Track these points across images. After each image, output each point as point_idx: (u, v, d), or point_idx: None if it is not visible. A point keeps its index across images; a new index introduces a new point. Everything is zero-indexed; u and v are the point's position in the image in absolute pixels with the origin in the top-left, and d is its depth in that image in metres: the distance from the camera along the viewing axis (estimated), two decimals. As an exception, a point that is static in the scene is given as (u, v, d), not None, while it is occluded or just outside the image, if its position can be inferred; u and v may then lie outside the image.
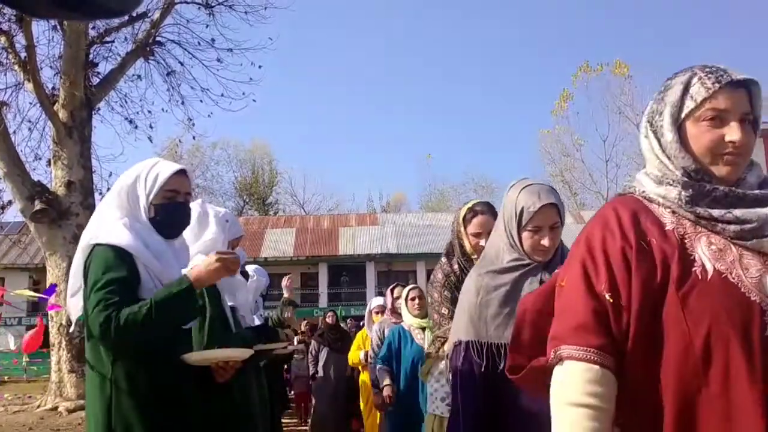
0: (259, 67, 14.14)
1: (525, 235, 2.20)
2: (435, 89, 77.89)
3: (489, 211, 2.95)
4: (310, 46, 78.71)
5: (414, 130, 76.78)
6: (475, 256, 2.85)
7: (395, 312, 5.43)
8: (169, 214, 2.33)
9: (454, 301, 2.74)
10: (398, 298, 5.25)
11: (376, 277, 33.77)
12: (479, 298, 2.18)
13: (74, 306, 2.32)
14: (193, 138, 14.33)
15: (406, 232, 35.18)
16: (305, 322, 11.04)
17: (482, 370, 2.11)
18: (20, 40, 11.09)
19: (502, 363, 2.02)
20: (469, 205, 3.01)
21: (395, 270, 33.87)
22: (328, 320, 8.59)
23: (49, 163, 11.69)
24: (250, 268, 4.14)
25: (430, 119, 77.31)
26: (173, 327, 2.18)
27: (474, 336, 2.15)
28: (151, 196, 2.29)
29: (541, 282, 2.11)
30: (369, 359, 5.78)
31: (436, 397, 3.40)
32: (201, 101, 13.40)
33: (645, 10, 68.69)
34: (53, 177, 11.22)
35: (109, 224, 2.21)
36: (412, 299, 4.78)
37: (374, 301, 6.95)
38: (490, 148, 74.94)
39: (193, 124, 13.63)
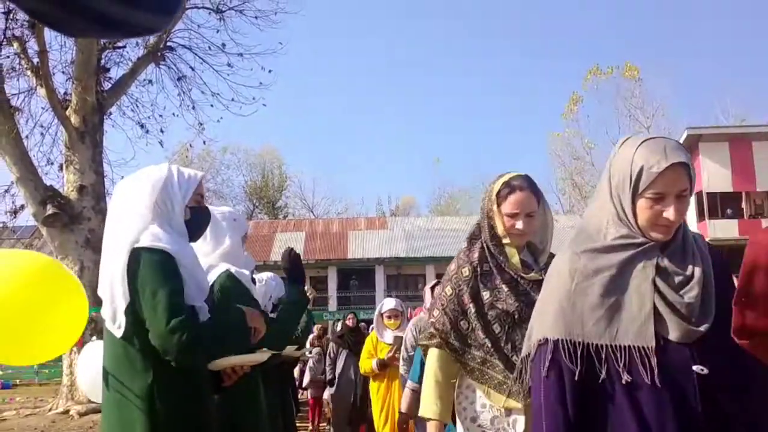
0: (270, 71, 14.24)
1: (641, 203, 1.69)
2: (444, 92, 77.95)
3: (529, 186, 2.50)
4: (321, 50, 78.95)
5: (423, 134, 76.89)
6: (508, 241, 2.49)
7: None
8: (201, 217, 2.39)
9: (458, 300, 2.48)
10: None
11: (386, 281, 33.78)
12: (573, 283, 1.70)
13: (109, 313, 2.21)
14: (204, 143, 14.38)
15: (416, 235, 35.18)
16: (318, 327, 10.96)
17: (576, 378, 1.62)
18: (33, 45, 11.20)
19: (604, 370, 1.61)
20: (505, 178, 2.53)
21: (404, 274, 33.89)
22: (349, 323, 8.31)
23: (61, 167, 11.77)
24: (264, 275, 4.13)
25: (439, 123, 77.37)
26: (233, 351, 2.27)
27: (565, 333, 1.66)
28: (187, 200, 2.31)
29: (658, 268, 1.67)
30: (401, 369, 5.31)
31: (466, 416, 2.56)
32: (212, 106, 13.44)
33: (655, 11, 68.48)
34: (65, 181, 11.30)
35: (146, 228, 2.17)
36: None
37: (386, 304, 6.29)
38: (500, 151, 74.85)
39: (204, 129, 13.70)
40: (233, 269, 2.82)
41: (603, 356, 1.62)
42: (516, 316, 2.39)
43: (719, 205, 29.96)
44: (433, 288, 5.12)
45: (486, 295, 2.46)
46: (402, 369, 5.28)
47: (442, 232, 35.39)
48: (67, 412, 10.39)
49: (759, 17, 62.46)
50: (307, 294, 4.12)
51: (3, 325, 2.25)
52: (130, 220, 2.20)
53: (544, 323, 1.73)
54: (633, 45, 64.96)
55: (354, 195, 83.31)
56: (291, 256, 3.11)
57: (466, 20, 77.02)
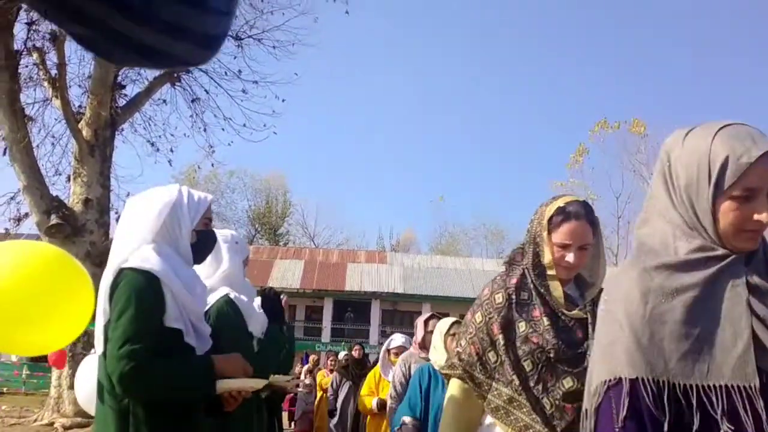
0: (283, 100, 14.38)
1: (726, 205, 1.33)
2: (453, 132, 78.47)
3: (586, 216, 2.21)
4: (334, 81, 79.72)
5: (429, 172, 77.17)
6: (553, 273, 2.21)
7: (424, 347, 4.74)
8: (207, 241, 2.41)
9: (488, 329, 2.22)
10: (432, 332, 4.56)
11: (381, 316, 33.64)
12: (649, 307, 1.32)
13: (96, 330, 2.22)
14: (212, 165, 14.49)
15: (414, 272, 35.13)
16: (313, 358, 10.92)
17: (664, 429, 1.26)
18: (52, 57, 11.37)
19: (697, 418, 1.26)
20: (560, 203, 2.24)
21: (400, 310, 33.76)
22: (355, 353, 8.12)
23: (68, 179, 11.86)
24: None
25: (445, 162, 77.74)
26: (185, 395, 2.16)
27: (645, 371, 1.27)
28: (195, 223, 2.33)
29: (750, 287, 1.32)
30: (388, 403, 4.95)
31: None
32: (223, 129, 13.61)
33: (665, 71, 69.24)
34: (71, 193, 11.38)
35: (138, 249, 2.17)
36: (453, 335, 3.89)
37: (394, 340, 5.92)
38: (503, 196, 75.10)
39: (214, 151, 13.82)
40: (233, 294, 2.83)
41: (694, 400, 1.27)
42: (551, 354, 2.11)
43: None
44: (426, 321, 4.94)
45: (522, 326, 2.18)
46: (389, 410, 4.93)
47: (442, 271, 35.34)
48: (51, 424, 10.32)
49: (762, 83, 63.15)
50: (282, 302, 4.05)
51: (10, 313, 2.27)
52: (126, 240, 2.21)
53: (614, 359, 1.32)
54: (642, 101, 65.50)
55: (355, 227, 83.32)
56: (270, 294, 3.14)
57: (477, 64, 77.95)
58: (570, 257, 2.16)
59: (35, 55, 11.50)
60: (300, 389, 9.36)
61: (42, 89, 11.88)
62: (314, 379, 9.63)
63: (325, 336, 32.85)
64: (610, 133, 42.25)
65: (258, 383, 2.29)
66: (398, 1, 77.59)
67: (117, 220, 12.04)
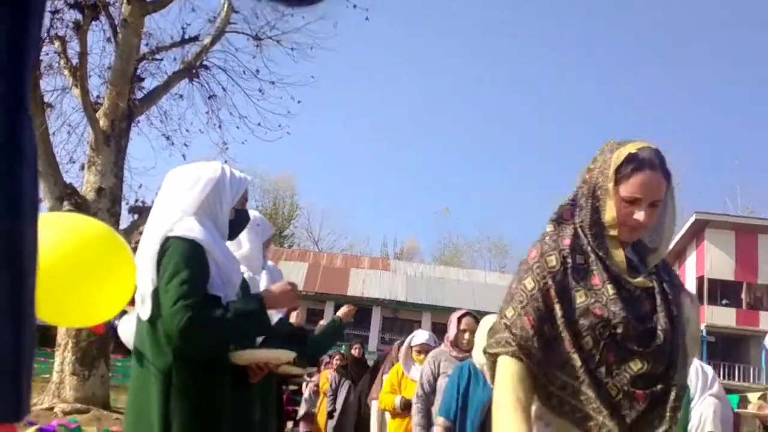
0: (298, 102, 14.47)
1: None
2: (463, 145, 78.54)
3: (661, 166, 1.85)
4: (346, 88, 79.95)
5: (435, 183, 77.25)
6: (614, 233, 1.84)
7: (456, 345, 4.53)
8: (242, 219, 2.54)
9: (544, 297, 1.79)
10: (465, 330, 4.49)
11: (381, 323, 33.66)
12: None
13: (138, 297, 2.28)
14: (225, 162, 14.57)
15: (417, 281, 35.16)
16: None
17: None
18: (74, 46, 11.50)
19: None
20: (631, 148, 1.84)
21: (401, 318, 33.76)
22: (354, 352, 7.93)
23: (82, 167, 11.96)
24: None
25: (452, 174, 77.83)
26: (243, 339, 2.27)
27: None
28: (235, 201, 2.44)
29: None
30: (414, 402, 4.57)
31: None
32: (237, 128, 13.69)
33: (675, 94, 69.24)
34: (84, 181, 11.47)
35: (181, 220, 2.23)
36: None
37: (417, 336, 5.54)
38: (509, 211, 75.08)
39: (227, 149, 13.91)
40: (247, 275, 2.90)
41: None
42: (619, 330, 1.74)
43: (719, 292, 29.92)
44: (460, 318, 4.64)
45: (580, 296, 1.79)
46: (415, 408, 4.56)
47: (444, 281, 35.37)
48: (51, 409, 10.36)
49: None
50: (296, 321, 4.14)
51: (55, 286, 2.34)
52: (169, 211, 2.28)
53: None
54: (651, 123, 65.54)
55: (359, 233, 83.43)
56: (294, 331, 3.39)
57: (491, 78, 78.05)
58: (640, 215, 1.79)
59: (57, 44, 11.63)
60: (310, 379, 9.16)
61: (62, 77, 12.02)
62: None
63: (325, 340, 32.86)
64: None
65: (287, 355, 2.35)
66: (417, 10, 77.89)
67: (128, 211, 12.27)
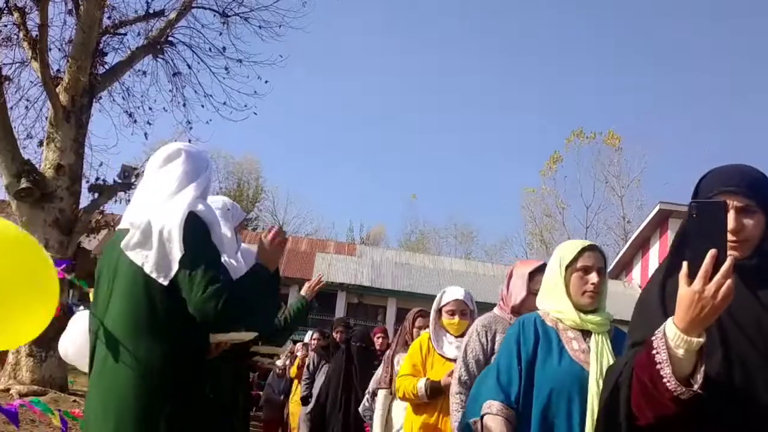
0: (266, 82, 14.26)
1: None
2: (430, 131, 78.64)
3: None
4: (315, 71, 79.38)
5: (403, 168, 77.30)
6: None
7: (520, 313, 3.05)
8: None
9: None
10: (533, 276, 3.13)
11: (346, 308, 33.63)
12: None
13: (153, 260, 2.26)
14: (189, 141, 14.31)
15: (382, 267, 35.17)
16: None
17: None
18: (34, 18, 11.12)
19: None
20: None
21: (366, 303, 33.77)
22: (336, 336, 7.34)
23: (40, 143, 11.62)
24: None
25: (420, 159, 77.93)
26: (270, 303, 2.45)
27: None
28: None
29: None
30: (454, 390, 3.19)
31: None
32: (202, 106, 13.42)
33: (645, 86, 70.21)
34: (43, 158, 11.15)
35: (201, 199, 2.36)
36: (586, 270, 2.52)
37: (449, 292, 4.02)
38: (475, 197, 75.55)
39: (191, 128, 13.66)
40: (224, 259, 2.85)
41: None
42: None
43: (681, 280, 30.60)
44: (532, 274, 3.21)
45: None
46: (455, 399, 3.15)
47: (410, 267, 35.42)
48: (7, 390, 10.11)
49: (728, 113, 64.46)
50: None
51: None
52: (190, 185, 2.37)
53: None
54: (620, 113, 66.42)
55: (325, 219, 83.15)
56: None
57: (460, 65, 78.18)
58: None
59: (16, 15, 11.24)
60: (277, 366, 8.75)
61: (21, 50, 11.62)
62: (291, 362, 8.83)
63: (288, 324, 32.75)
64: (586, 143, 42.83)
65: (247, 335, 2.37)
66: (387, 3, 77.55)
67: (89, 189, 11.96)
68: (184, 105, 13.33)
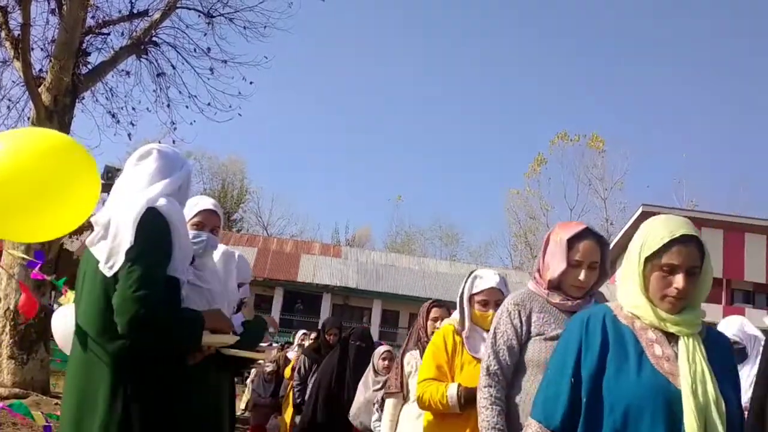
0: (251, 83, 14.19)
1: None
2: (415, 132, 78.71)
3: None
4: (297, 70, 79.18)
5: (389, 170, 77.31)
6: None
7: (560, 288, 2.62)
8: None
9: None
10: (581, 265, 2.56)
11: (331, 310, 33.55)
12: None
13: (105, 251, 2.24)
14: (173, 142, 14.23)
15: (368, 268, 35.13)
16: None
17: None
18: (16, 17, 11.00)
19: None
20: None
21: (351, 305, 33.73)
22: (330, 339, 6.79)
23: (23, 144, 11.50)
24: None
25: (406, 161, 77.99)
26: (182, 344, 2.26)
27: None
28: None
29: None
30: (485, 386, 2.56)
31: None
32: (187, 107, 13.39)
33: (628, 90, 70.68)
34: (25, 158, 11.04)
35: (165, 197, 2.30)
36: (671, 270, 1.96)
37: (483, 278, 3.27)
38: (460, 199, 75.70)
39: (176, 129, 13.57)
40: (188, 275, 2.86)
41: None
42: None
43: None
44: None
45: None
46: (484, 393, 2.54)
47: (395, 269, 35.42)
48: (-13, 393, 10.00)
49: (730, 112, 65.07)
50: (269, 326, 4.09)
51: (17, 198, 2.17)
52: (158, 183, 2.33)
53: None
54: (603, 115, 66.83)
55: (310, 220, 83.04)
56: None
57: (444, 69, 78.33)
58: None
59: (-3, 14, 11.13)
60: (267, 367, 8.45)
61: (2, 50, 11.51)
62: (280, 365, 8.57)
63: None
64: (569, 146, 43.04)
65: (230, 338, 2.33)
66: (371, -3, 77.51)
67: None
68: (168, 106, 13.26)
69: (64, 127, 11.18)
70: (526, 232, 44.07)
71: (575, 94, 73.28)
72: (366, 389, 5.12)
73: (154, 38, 12.70)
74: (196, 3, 12.94)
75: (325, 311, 33.31)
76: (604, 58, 72.20)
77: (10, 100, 12.18)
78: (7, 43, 11.14)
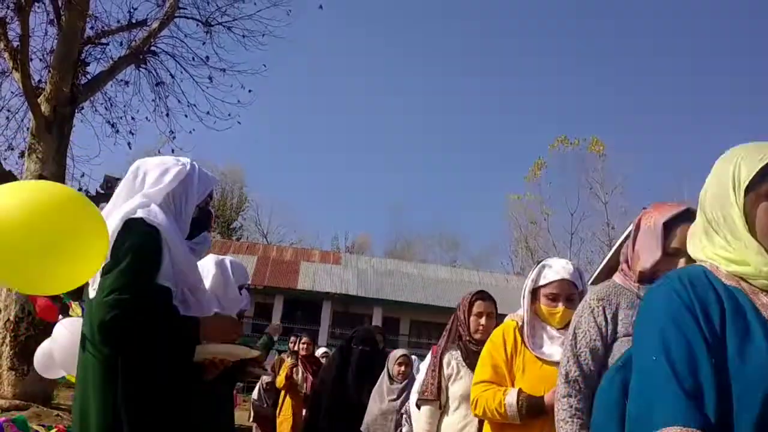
0: (249, 91, 14.21)
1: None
2: (414, 139, 78.80)
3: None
4: (300, 80, 79.34)
5: (388, 177, 77.36)
6: None
7: (647, 279, 2.21)
8: (205, 218, 2.49)
9: None
10: (678, 253, 2.12)
11: (331, 317, 33.51)
12: None
13: (91, 282, 2.22)
14: (173, 151, 14.23)
15: (369, 275, 35.11)
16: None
17: None
18: (15, 28, 11.03)
19: None
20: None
21: (352, 312, 33.68)
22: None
23: (22, 154, 11.52)
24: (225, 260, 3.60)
25: (405, 167, 78.08)
26: (159, 358, 2.13)
27: None
28: (201, 199, 2.43)
29: None
30: (564, 396, 2.22)
31: None
32: (186, 116, 13.37)
33: (628, 94, 70.82)
34: (24, 169, 11.04)
35: (147, 207, 2.22)
36: None
37: (552, 270, 2.87)
38: (460, 204, 75.74)
39: (175, 137, 13.59)
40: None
41: None
42: None
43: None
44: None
45: None
46: (563, 405, 2.21)
47: (396, 275, 35.39)
48: (-12, 405, 9.97)
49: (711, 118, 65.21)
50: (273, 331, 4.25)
51: (26, 253, 2.16)
52: (136, 198, 2.26)
53: None
54: (603, 119, 66.91)
55: (310, 228, 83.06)
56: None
57: (444, 74, 78.47)
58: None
59: (-4, 25, 11.15)
60: (266, 375, 8.31)
61: (1, 60, 11.53)
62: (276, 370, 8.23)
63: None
64: (569, 150, 43.00)
65: (248, 352, 2.27)
66: (369, 2, 77.76)
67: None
68: (168, 115, 13.28)
69: (64, 137, 11.20)
70: (526, 237, 43.99)
71: (575, 97, 73.42)
72: (381, 399, 4.77)
73: (152, 48, 12.74)
74: (194, 12, 13.00)
75: (326, 319, 33.29)
76: (604, 61, 72.38)
77: (9, 110, 12.22)
78: (6, 54, 11.16)
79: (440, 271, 37.92)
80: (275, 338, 4.33)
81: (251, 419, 9.08)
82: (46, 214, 2.15)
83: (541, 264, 2.95)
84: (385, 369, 4.90)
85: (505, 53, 76.25)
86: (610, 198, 41.86)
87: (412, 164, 79.08)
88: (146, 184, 2.32)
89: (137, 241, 2.09)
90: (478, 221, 76.51)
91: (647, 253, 2.19)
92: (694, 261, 1.69)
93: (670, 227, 2.17)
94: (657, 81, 69.55)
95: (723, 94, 68.03)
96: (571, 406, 2.17)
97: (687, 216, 2.12)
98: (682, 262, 2.05)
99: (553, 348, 2.76)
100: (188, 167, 2.39)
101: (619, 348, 2.14)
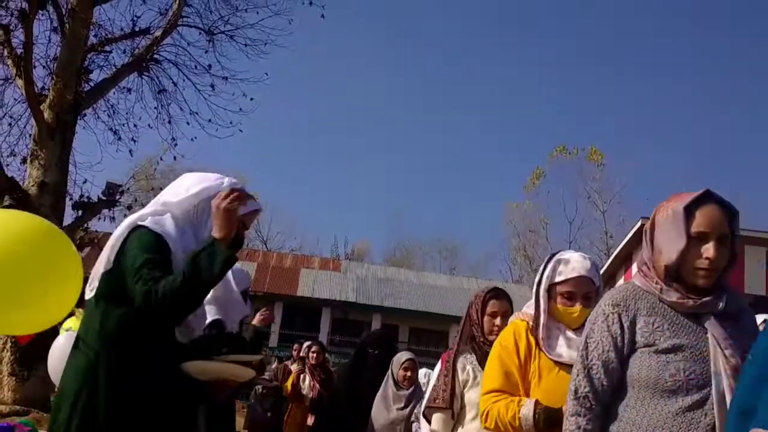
0: (251, 99, 14.29)
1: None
2: (414, 146, 78.89)
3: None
4: (300, 88, 79.53)
5: (388, 183, 77.41)
6: None
7: (679, 280, 2.01)
8: (236, 244, 2.32)
9: None
10: (708, 256, 1.92)
11: (331, 324, 33.51)
12: None
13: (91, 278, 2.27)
14: (174, 158, 14.31)
15: (368, 282, 35.12)
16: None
17: None
18: (18, 35, 11.11)
19: None
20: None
21: (351, 319, 33.67)
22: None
23: (24, 161, 11.57)
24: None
25: (405, 176, 78.12)
26: (208, 285, 2.13)
27: None
28: None
29: None
30: (573, 403, 2.01)
31: None
32: (188, 123, 13.45)
33: (627, 103, 70.97)
34: (27, 176, 11.09)
35: (161, 215, 2.24)
36: None
37: (568, 266, 2.58)
38: (459, 212, 75.76)
39: (176, 145, 13.66)
40: None
41: None
42: None
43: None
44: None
45: None
46: (571, 424, 2.00)
47: (395, 282, 35.39)
48: (-12, 410, 10.00)
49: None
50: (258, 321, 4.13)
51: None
52: (150, 206, 2.31)
53: None
54: (602, 128, 67.03)
55: (309, 234, 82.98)
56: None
57: (443, 82, 78.66)
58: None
59: (0, 33, 11.23)
60: (266, 382, 8.18)
61: (5, 68, 11.62)
62: (279, 378, 8.22)
63: (273, 341, 32.53)
64: (568, 159, 43.12)
65: (249, 372, 2.28)
66: (372, 7, 77.98)
67: (72, 207, 11.95)
68: (170, 122, 13.36)
69: (66, 144, 11.26)
70: (525, 245, 44.06)
71: (574, 107, 73.55)
72: (387, 408, 4.54)
73: (155, 55, 12.83)
74: (197, 21, 13.10)
75: (325, 326, 33.28)
76: (603, 71, 72.55)
77: (11, 117, 12.30)
78: (10, 61, 11.24)
79: (439, 278, 37.95)
80: (268, 328, 4.00)
81: (244, 426, 8.92)
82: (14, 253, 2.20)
83: (555, 258, 2.63)
84: (389, 373, 4.66)
85: (505, 62, 76.48)
86: (608, 207, 41.97)
87: (412, 172, 79.18)
88: (174, 194, 2.33)
89: (146, 245, 2.14)
90: (477, 229, 76.60)
91: (670, 244, 1.95)
92: (726, 244, 1.82)
93: (691, 211, 1.94)
94: (657, 89, 69.77)
95: (721, 103, 68.21)
96: (579, 427, 1.95)
97: (709, 198, 1.95)
98: (711, 247, 1.89)
99: (572, 351, 2.44)
100: (222, 186, 2.32)
101: (638, 360, 1.92)
